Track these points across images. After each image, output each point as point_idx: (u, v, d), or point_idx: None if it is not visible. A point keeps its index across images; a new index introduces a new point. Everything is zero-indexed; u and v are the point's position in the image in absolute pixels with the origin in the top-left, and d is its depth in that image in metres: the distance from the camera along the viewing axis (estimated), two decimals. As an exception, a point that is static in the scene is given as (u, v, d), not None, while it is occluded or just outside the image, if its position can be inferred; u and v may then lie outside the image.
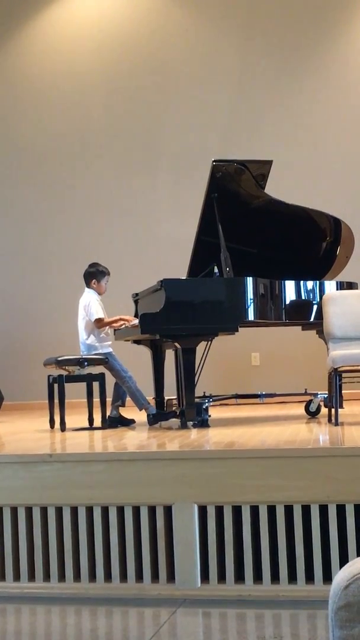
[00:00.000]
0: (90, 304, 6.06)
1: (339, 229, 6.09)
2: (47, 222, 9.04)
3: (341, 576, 1.34)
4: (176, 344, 5.37)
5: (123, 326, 6.10)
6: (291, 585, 3.75)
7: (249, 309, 5.36)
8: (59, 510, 4.02)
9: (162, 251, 8.44)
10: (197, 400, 5.45)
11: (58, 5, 9.14)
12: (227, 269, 5.46)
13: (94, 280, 6.19)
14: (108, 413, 5.96)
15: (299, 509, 3.76)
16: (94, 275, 6.21)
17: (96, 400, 5.94)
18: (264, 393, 6.48)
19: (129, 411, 6.15)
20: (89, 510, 3.99)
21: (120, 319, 6.09)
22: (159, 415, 5.84)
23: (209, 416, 5.48)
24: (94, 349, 6.04)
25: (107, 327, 6.13)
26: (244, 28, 8.70)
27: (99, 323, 6.03)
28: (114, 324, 6.14)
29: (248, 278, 5.37)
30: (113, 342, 6.26)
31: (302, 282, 5.79)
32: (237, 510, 3.85)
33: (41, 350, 7.49)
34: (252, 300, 5.37)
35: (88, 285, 6.21)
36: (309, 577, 3.75)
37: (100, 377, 5.90)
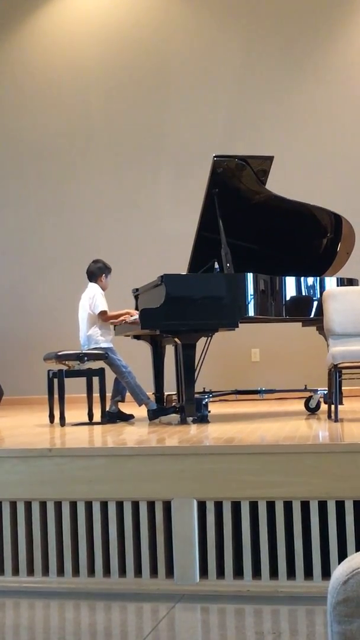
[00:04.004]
0: (96, 296, 6.06)
1: (340, 225, 6.09)
2: (48, 217, 9.03)
3: (340, 571, 1.34)
4: (176, 340, 5.36)
5: (123, 322, 6.10)
6: (290, 581, 3.75)
7: (249, 305, 5.36)
8: (58, 505, 4.02)
9: (162, 247, 8.44)
10: (196, 396, 5.45)
11: (59, 0, 9.12)
12: (228, 264, 5.45)
13: (102, 276, 6.21)
14: (107, 408, 5.96)
15: (298, 504, 3.76)
16: (102, 270, 6.23)
17: (96, 395, 5.94)
18: (263, 389, 6.48)
19: (128, 406, 6.15)
20: (88, 505, 3.99)
21: (127, 313, 6.08)
22: (159, 410, 5.84)
23: (209, 412, 5.48)
24: (95, 342, 6.03)
25: (110, 321, 6.13)
26: (246, 24, 8.68)
27: (104, 316, 6.04)
28: (117, 320, 6.12)
29: (248, 274, 5.37)
30: (113, 337, 6.25)
31: (302, 278, 5.79)
32: (236, 506, 3.85)
33: (41, 345, 7.49)
34: (252, 296, 5.37)
35: (95, 280, 6.21)
36: (308, 573, 3.75)
37: (100, 372, 5.90)
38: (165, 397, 6.29)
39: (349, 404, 6.41)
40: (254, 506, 3.82)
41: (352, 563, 1.33)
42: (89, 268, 6.28)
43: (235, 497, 3.83)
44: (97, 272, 6.23)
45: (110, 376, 6.00)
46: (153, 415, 5.76)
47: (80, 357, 5.86)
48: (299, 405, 6.27)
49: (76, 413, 6.24)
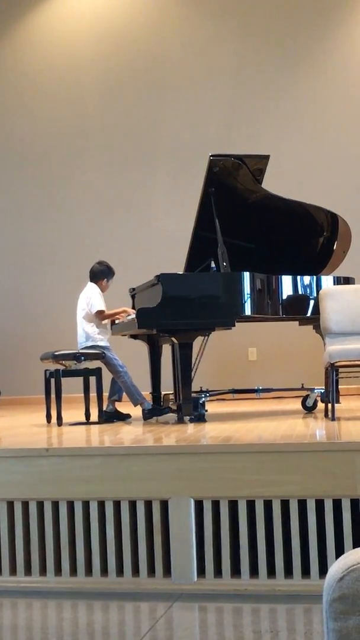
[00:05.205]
0: (93, 296, 6.07)
1: (336, 224, 6.09)
2: (45, 217, 9.03)
3: (335, 568, 1.34)
4: (173, 339, 5.36)
5: (118, 321, 6.10)
6: (287, 580, 3.75)
7: (246, 304, 5.36)
8: (55, 505, 4.02)
9: (159, 246, 8.44)
10: (194, 395, 5.45)
11: (55, 0, 9.12)
12: (224, 263, 5.45)
13: (104, 279, 6.21)
14: (104, 408, 5.96)
15: (295, 503, 3.76)
16: (106, 274, 6.23)
17: (93, 394, 5.93)
18: (260, 388, 6.48)
19: (125, 406, 6.15)
20: (86, 505, 3.99)
21: (124, 310, 6.09)
22: (154, 410, 5.85)
23: (206, 411, 5.48)
24: (92, 340, 6.03)
25: (108, 319, 6.13)
26: (242, 23, 8.68)
27: (101, 315, 6.04)
28: (115, 316, 6.12)
29: (245, 273, 5.37)
30: (110, 337, 6.25)
31: (299, 277, 5.79)
32: (233, 505, 3.85)
33: (38, 345, 7.47)
34: (249, 295, 5.37)
35: (95, 281, 6.21)
36: (305, 572, 3.75)
37: (97, 372, 5.90)
38: (162, 396, 6.30)
39: (346, 403, 6.41)
40: (251, 505, 3.82)
41: (348, 560, 1.33)
42: (92, 268, 6.27)
43: (233, 496, 3.83)
44: (99, 274, 6.23)
45: (107, 376, 6.00)
46: (148, 414, 5.78)
47: (77, 357, 5.86)
48: (296, 404, 6.28)
49: (73, 413, 6.24)
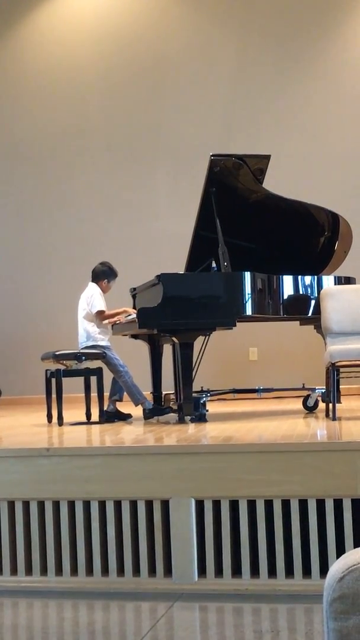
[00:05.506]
0: (94, 296, 6.07)
1: (337, 224, 6.09)
2: (46, 217, 9.03)
3: (336, 568, 1.34)
4: (174, 339, 5.36)
5: (118, 321, 6.10)
6: (288, 580, 3.75)
7: (247, 304, 5.36)
8: (56, 505, 4.02)
9: (160, 246, 8.44)
10: (194, 394, 5.45)
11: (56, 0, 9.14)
12: (225, 263, 5.45)
13: (105, 280, 6.20)
14: (105, 407, 5.96)
15: (296, 503, 3.76)
16: (107, 275, 6.22)
17: (93, 394, 5.93)
18: (261, 388, 6.48)
19: (125, 406, 6.16)
20: (86, 505, 3.99)
21: (125, 310, 6.09)
22: (155, 409, 5.85)
23: (207, 411, 5.48)
24: (93, 340, 6.03)
25: (108, 320, 6.13)
26: (243, 21, 8.68)
27: (101, 315, 6.04)
28: (115, 317, 6.12)
29: (246, 273, 5.37)
30: (111, 337, 6.25)
31: (300, 277, 5.79)
32: (234, 505, 3.85)
33: (39, 345, 7.48)
34: (250, 295, 5.37)
35: (97, 282, 6.20)
36: (306, 572, 3.75)
37: (98, 372, 5.90)
38: (163, 396, 6.30)
39: (347, 403, 6.41)
40: (252, 505, 3.82)
41: (348, 560, 1.33)
42: (94, 268, 6.27)
43: (233, 495, 3.83)
44: (100, 274, 6.22)
45: (108, 375, 6.00)
46: (149, 414, 5.78)
47: (78, 357, 5.86)
48: (297, 404, 6.27)
49: (74, 412, 6.24)
